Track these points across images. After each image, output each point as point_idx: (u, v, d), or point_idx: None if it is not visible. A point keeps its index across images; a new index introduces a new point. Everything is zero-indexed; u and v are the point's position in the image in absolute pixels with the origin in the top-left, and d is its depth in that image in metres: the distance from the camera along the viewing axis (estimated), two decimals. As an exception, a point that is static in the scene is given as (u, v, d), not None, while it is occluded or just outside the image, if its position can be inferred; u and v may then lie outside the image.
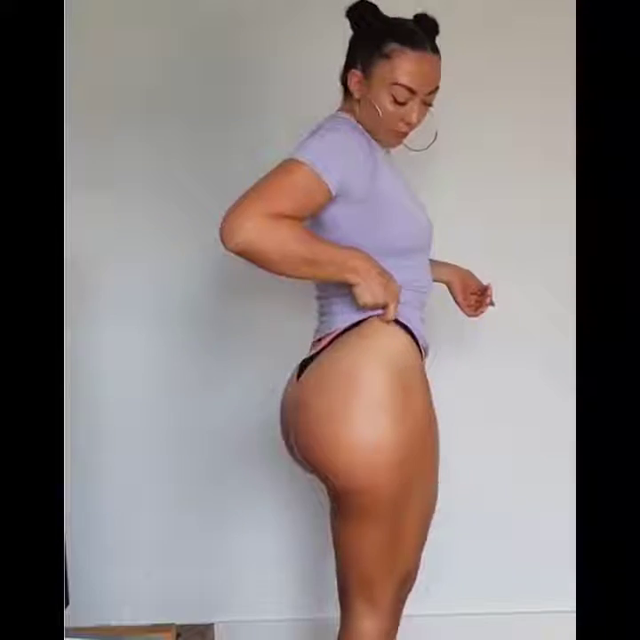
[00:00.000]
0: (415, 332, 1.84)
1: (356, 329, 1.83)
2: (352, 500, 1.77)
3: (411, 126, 1.88)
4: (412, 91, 1.83)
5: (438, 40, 1.88)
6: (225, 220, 1.69)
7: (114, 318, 2.68)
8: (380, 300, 1.78)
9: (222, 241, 1.69)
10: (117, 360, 2.69)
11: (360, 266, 1.77)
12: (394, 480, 1.74)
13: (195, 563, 2.72)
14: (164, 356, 2.70)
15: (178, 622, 2.38)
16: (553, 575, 2.55)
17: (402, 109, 1.84)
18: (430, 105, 1.88)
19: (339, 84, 1.92)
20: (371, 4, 1.88)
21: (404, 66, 1.82)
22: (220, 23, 2.63)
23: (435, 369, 1.98)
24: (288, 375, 1.95)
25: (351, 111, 1.89)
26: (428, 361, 1.94)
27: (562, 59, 2.14)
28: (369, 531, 1.78)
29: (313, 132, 1.81)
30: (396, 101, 1.83)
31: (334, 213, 1.81)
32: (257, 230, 1.68)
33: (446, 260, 2.20)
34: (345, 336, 1.84)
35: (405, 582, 1.87)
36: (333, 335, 1.85)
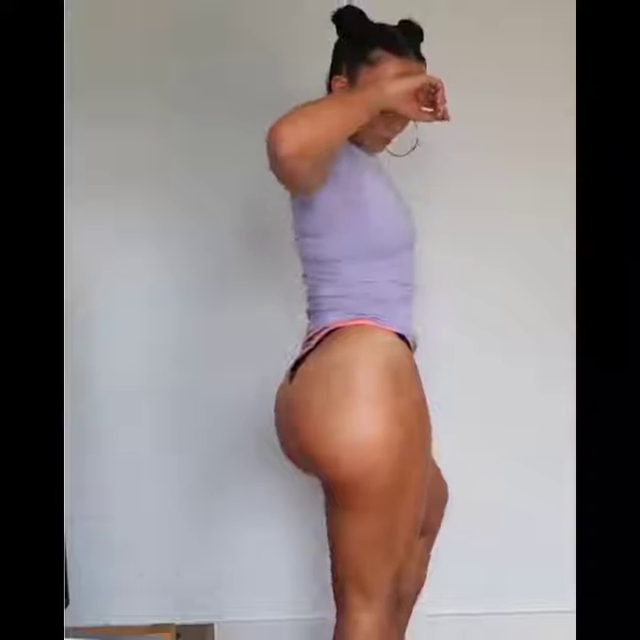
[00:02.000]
0: (402, 331, 1.86)
1: (344, 329, 1.84)
2: (344, 493, 1.79)
3: (395, 133, 1.88)
4: None
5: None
6: (270, 135, 1.64)
7: (113, 318, 2.68)
8: (416, 83, 1.76)
9: (275, 155, 1.63)
10: (117, 361, 2.69)
11: (376, 85, 1.75)
12: (384, 473, 1.76)
13: (194, 562, 2.72)
14: (163, 357, 2.70)
15: (178, 622, 2.38)
16: (552, 575, 2.55)
17: (386, 116, 1.83)
18: None
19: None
20: (357, 9, 1.88)
21: (388, 72, 1.82)
22: (222, 23, 2.63)
23: (431, 366, 1.99)
24: (282, 375, 1.96)
25: None
26: (423, 358, 1.95)
27: (562, 60, 2.15)
28: (362, 523, 1.80)
29: None
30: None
31: (327, 215, 1.82)
32: (301, 128, 1.63)
33: (445, 261, 2.20)
34: (334, 335, 1.85)
35: (400, 573, 1.87)
36: (322, 334, 1.87)
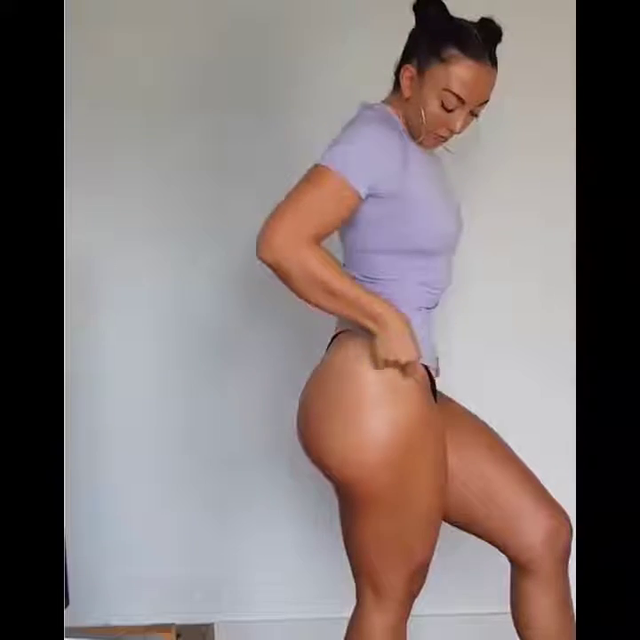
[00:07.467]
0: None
1: (353, 333, 1.84)
2: (349, 494, 1.83)
3: (452, 133, 1.87)
4: (461, 100, 1.81)
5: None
6: (261, 233, 1.72)
7: (114, 320, 2.68)
8: (392, 358, 1.76)
9: (257, 251, 1.72)
10: (117, 361, 2.68)
11: (384, 315, 1.75)
12: (383, 477, 1.78)
13: (195, 562, 2.72)
14: (164, 358, 2.70)
15: (178, 622, 2.38)
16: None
17: (448, 116, 1.83)
18: (477, 116, 1.87)
19: (382, 78, 1.89)
20: (438, 0, 1.85)
21: (460, 74, 1.80)
22: (223, 22, 2.63)
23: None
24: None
25: (396, 104, 1.87)
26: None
27: (567, 58, 2.14)
28: (369, 523, 1.83)
29: (344, 129, 1.79)
30: (443, 107, 1.81)
31: (362, 210, 1.81)
32: (287, 251, 1.70)
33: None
34: (345, 336, 1.86)
35: (415, 576, 1.88)
36: (334, 333, 1.90)
